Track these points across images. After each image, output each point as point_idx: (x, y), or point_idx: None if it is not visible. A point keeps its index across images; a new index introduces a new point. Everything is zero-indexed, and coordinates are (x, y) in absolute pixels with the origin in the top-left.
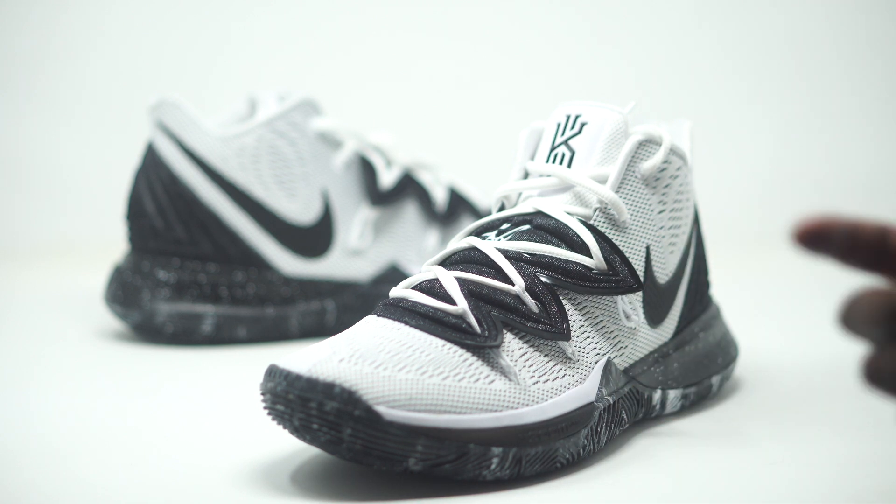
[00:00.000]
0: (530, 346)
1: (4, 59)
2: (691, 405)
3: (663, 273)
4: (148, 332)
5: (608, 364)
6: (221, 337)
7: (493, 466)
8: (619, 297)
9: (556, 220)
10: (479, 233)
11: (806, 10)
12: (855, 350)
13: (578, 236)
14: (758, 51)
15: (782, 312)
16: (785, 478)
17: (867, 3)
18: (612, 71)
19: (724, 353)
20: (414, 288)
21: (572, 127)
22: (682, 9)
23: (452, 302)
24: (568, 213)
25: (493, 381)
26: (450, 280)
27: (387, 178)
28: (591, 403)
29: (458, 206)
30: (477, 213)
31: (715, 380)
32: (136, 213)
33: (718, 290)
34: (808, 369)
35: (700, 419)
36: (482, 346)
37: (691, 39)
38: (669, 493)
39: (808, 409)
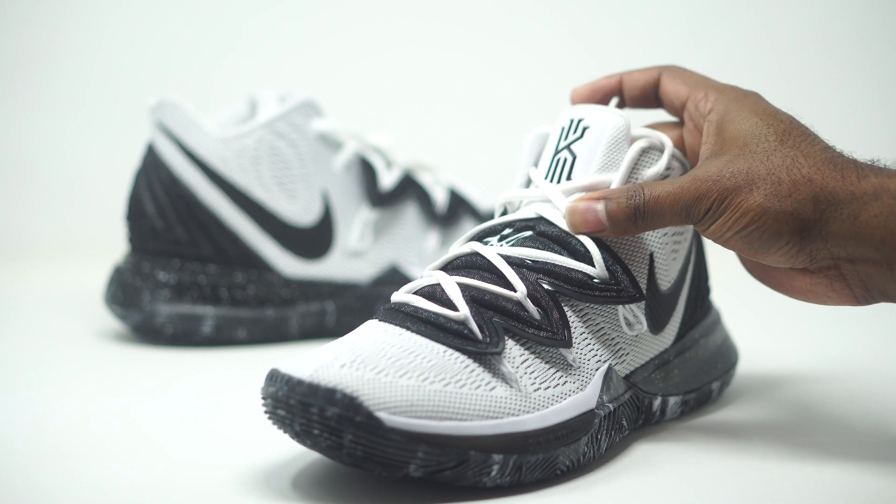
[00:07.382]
0: (531, 353)
1: (6, 59)
2: (691, 411)
3: (666, 280)
4: (148, 333)
5: (609, 371)
6: (221, 338)
7: (493, 473)
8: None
9: (558, 228)
10: (480, 237)
11: (805, 10)
12: (855, 357)
13: (581, 245)
14: (757, 52)
15: (782, 318)
16: (785, 483)
17: (866, 4)
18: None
19: (724, 359)
20: (415, 293)
21: (575, 131)
22: (682, 10)
23: (454, 308)
24: None
25: (494, 388)
26: (452, 285)
27: (387, 180)
28: (591, 411)
29: (459, 207)
30: (477, 215)
31: (715, 385)
32: (136, 214)
33: (718, 296)
34: (807, 375)
35: (700, 425)
36: (484, 353)
37: (691, 40)
38: (669, 500)
39: (808, 414)
